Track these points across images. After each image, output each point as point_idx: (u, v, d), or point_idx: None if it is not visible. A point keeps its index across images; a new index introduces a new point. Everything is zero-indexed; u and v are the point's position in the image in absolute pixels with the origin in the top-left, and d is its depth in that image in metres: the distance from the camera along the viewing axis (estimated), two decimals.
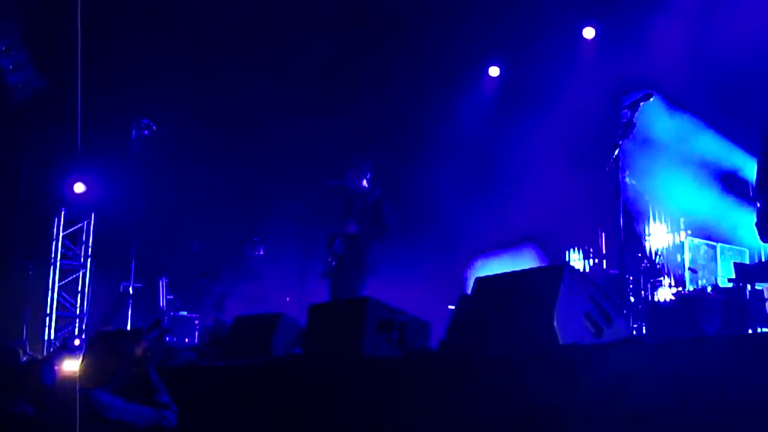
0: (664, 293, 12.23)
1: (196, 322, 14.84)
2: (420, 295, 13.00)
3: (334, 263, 10.96)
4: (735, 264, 11.84)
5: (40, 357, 11.25)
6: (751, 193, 12.20)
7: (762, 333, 9.35)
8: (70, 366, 9.05)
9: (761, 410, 4.35)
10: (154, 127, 15.31)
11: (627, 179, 9.88)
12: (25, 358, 10.86)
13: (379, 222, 10.96)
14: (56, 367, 8.57)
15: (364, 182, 11.22)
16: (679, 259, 13.55)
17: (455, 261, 15.15)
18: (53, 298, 15.46)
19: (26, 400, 7.09)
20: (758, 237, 7.92)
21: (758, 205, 7.91)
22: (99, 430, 4.98)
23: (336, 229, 11.15)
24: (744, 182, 12.70)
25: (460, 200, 15.66)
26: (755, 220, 7.89)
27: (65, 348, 12.89)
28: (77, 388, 5.10)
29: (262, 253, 15.47)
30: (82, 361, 5.38)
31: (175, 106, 15.11)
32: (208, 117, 15.53)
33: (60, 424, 6.03)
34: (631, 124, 8.13)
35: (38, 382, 7.81)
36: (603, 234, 13.56)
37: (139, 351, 5.39)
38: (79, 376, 5.27)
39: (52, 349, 14.26)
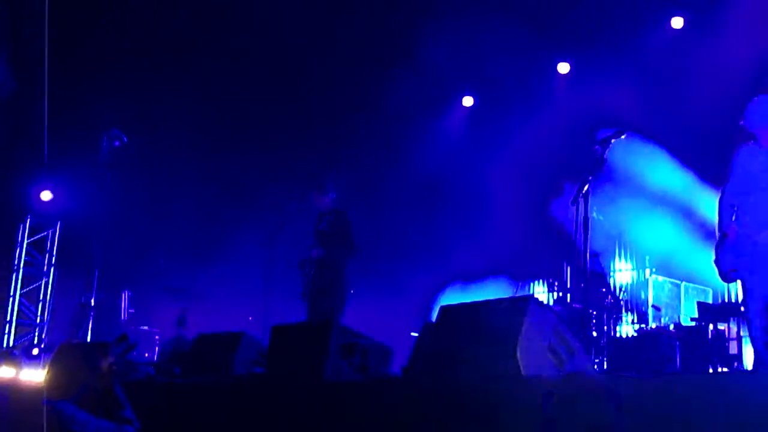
0: (627, 329, 12.30)
1: (157, 337, 14.72)
2: (385, 321, 13.02)
3: (308, 287, 10.92)
4: (698, 303, 11.94)
5: None
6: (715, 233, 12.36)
7: (719, 373, 9.41)
8: (7, 372, 9.05)
9: None
10: (125, 139, 15.23)
11: (594, 214, 9.95)
12: None
13: (346, 240, 10.92)
14: None
15: (328, 201, 11.21)
16: (643, 296, 13.67)
17: (423, 288, 15.16)
18: (14, 305, 15.27)
19: None
20: (719, 277, 7.98)
21: (720, 243, 7.96)
22: None
23: (306, 253, 11.12)
24: (710, 222, 12.82)
25: (429, 229, 15.71)
26: (714, 258, 7.95)
27: (5, 355, 12.79)
28: (44, 399, 5.08)
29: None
30: (47, 372, 5.36)
31: (146, 120, 15.05)
32: (178, 132, 15.45)
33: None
34: (602, 160, 8.17)
35: None
36: (568, 268, 13.63)
37: (105, 365, 5.36)
38: (46, 387, 5.24)
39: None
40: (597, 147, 8.29)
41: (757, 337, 7.36)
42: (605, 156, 8.26)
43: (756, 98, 7.80)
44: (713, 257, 7.96)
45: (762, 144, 7.71)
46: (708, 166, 12.55)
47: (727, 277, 7.88)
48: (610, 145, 8.29)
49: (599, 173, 8.34)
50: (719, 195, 8.04)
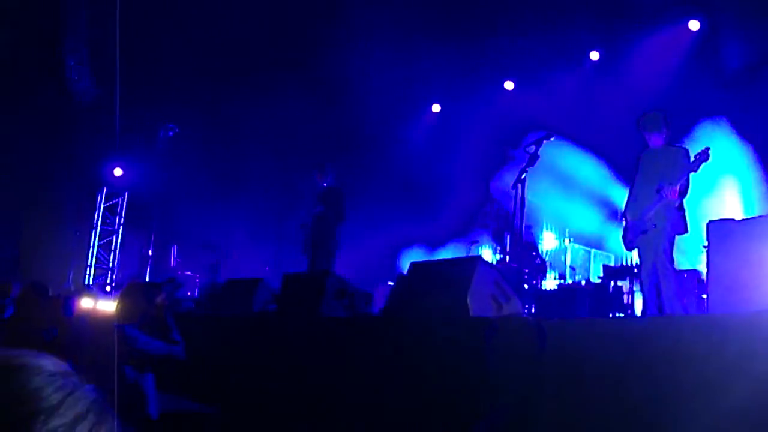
0: (550, 284, 12.29)
1: (197, 280, 14.70)
2: (367, 274, 13.05)
3: (308, 243, 10.76)
4: (604, 266, 11.94)
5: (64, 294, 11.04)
6: (618, 214, 12.30)
7: (616, 318, 9.38)
8: (87, 303, 8.99)
9: (611, 378, 4.35)
10: (177, 130, 15.33)
11: (529, 196, 9.82)
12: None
13: (338, 207, 10.69)
14: (75, 303, 8.52)
15: (327, 179, 11.00)
16: (562, 259, 13.67)
17: (397, 249, 15.17)
18: (93, 254, 15.41)
19: (52, 324, 7.09)
20: (623, 246, 7.93)
21: (624, 222, 7.94)
22: (127, 355, 4.99)
23: (307, 217, 10.95)
24: (614, 205, 12.77)
25: (404, 205, 15.61)
26: (622, 233, 7.90)
27: (86, 290, 12.73)
28: (115, 324, 5.13)
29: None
30: (117, 304, 5.39)
31: (193, 113, 14.95)
32: (217, 122, 15.40)
33: (80, 346, 6.02)
34: (535, 156, 8.05)
35: (60, 313, 7.81)
36: (508, 236, 13.57)
37: (159, 299, 5.42)
38: (116, 315, 5.30)
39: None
40: (532, 145, 8.17)
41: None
42: (538, 153, 8.13)
43: (645, 112, 7.80)
44: (621, 233, 7.92)
45: (650, 146, 7.69)
46: (617, 163, 12.47)
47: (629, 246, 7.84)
48: (542, 145, 8.16)
49: (534, 166, 8.20)
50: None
